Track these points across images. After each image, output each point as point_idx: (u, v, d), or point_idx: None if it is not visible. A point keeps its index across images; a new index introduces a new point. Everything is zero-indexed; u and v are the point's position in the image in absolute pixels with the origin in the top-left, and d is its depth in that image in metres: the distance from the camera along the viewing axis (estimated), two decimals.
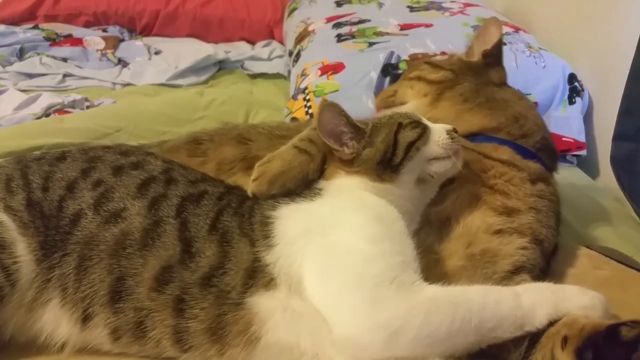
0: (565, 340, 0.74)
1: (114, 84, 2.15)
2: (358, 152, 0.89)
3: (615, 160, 1.37)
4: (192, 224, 0.82)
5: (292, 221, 0.82)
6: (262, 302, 0.75)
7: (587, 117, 1.70)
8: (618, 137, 1.40)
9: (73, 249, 0.80)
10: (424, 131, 0.90)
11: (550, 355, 0.76)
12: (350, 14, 2.06)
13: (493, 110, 1.11)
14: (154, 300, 0.77)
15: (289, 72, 2.11)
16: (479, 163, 1.02)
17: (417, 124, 0.92)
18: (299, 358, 0.75)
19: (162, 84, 2.13)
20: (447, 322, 0.71)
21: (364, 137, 0.90)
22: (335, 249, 0.78)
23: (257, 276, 0.77)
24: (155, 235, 0.80)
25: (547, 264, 0.99)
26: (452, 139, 0.91)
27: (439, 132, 0.92)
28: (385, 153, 0.89)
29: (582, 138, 1.64)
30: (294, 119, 1.59)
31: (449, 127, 0.93)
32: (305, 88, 1.65)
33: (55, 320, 0.80)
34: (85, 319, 0.79)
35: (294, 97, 1.66)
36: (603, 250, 1.07)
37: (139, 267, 0.78)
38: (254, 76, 2.30)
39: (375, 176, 0.88)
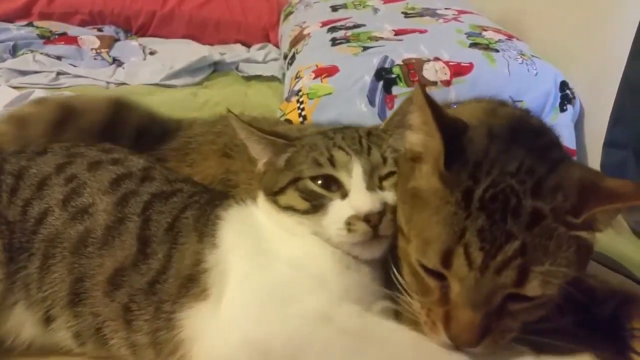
0: None
1: (108, 83, 2.13)
2: (269, 168, 0.83)
3: (605, 168, 1.38)
4: (154, 222, 0.78)
5: (234, 225, 0.78)
6: (189, 321, 0.72)
7: (578, 125, 1.71)
8: (609, 144, 1.41)
9: (38, 248, 0.77)
10: (314, 210, 0.74)
11: None
12: (345, 19, 2.07)
13: None
14: (107, 306, 0.74)
15: (284, 75, 2.11)
16: None
17: (309, 196, 0.74)
18: None
19: (156, 84, 2.11)
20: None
21: (284, 152, 0.81)
22: (256, 267, 0.73)
23: (191, 285, 0.73)
24: (116, 234, 0.76)
25: None
26: (349, 231, 0.71)
27: (339, 214, 0.72)
28: (272, 188, 0.79)
29: (572, 145, 1.65)
30: (287, 120, 1.59)
31: (360, 210, 0.71)
32: (299, 90, 1.65)
33: (20, 323, 0.77)
34: (47, 320, 0.76)
35: (288, 99, 1.66)
36: (596, 257, 1.05)
37: (96, 267, 0.75)
38: (249, 78, 2.30)
39: (265, 195, 0.81)
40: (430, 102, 0.67)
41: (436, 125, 0.66)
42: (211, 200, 0.84)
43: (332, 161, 0.75)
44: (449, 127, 0.67)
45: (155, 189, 0.83)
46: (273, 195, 0.78)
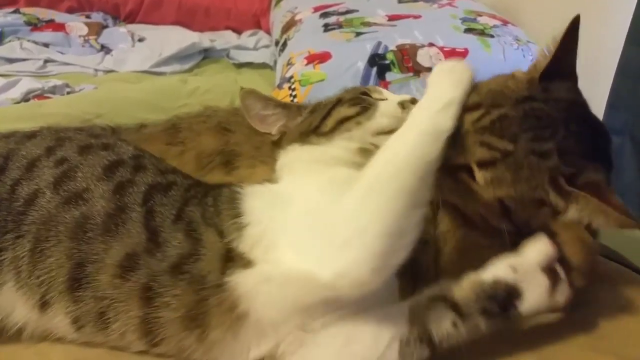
0: None
1: (97, 70, 2.11)
2: (286, 130, 0.89)
3: None
4: (158, 214, 0.78)
5: (258, 199, 0.79)
6: (244, 280, 0.71)
7: None
8: None
9: (28, 230, 0.76)
10: (364, 110, 0.85)
11: None
12: (338, 4, 2.05)
13: None
14: (117, 287, 0.72)
15: (275, 62, 2.09)
16: None
17: (358, 101, 0.87)
18: (284, 326, 0.71)
19: (145, 71, 2.09)
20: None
21: (301, 114, 0.89)
22: (294, 215, 0.75)
23: (234, 259, 0.73)
24: (119, 221, 0.76)
25: None
26: (403, 108, 0.85)
27: (389, 104, 0.86)
28: (310, 125, 0.86)
29: None
30: None
31: (406, 97, 0.87)
32: (291, 77, 1.63)
33: (10, 304, 0.76)
34: (44, 305, 0.75)
35: (279, 86, 1.64)
36: None
37: (101, 252, 0.74)
38: (240, 65, 2.27)
39: (300, 141, 0.86)
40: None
41: (559, 46, 0.82)
42: (205, 194, 0.83)
43: (366, 99, 0.88)
44: (564, 59, 0.83)
45: (151, 180, 0.82)
46: (313, 131, 0.86)
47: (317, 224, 0.71)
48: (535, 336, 0.81)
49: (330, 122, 0.85)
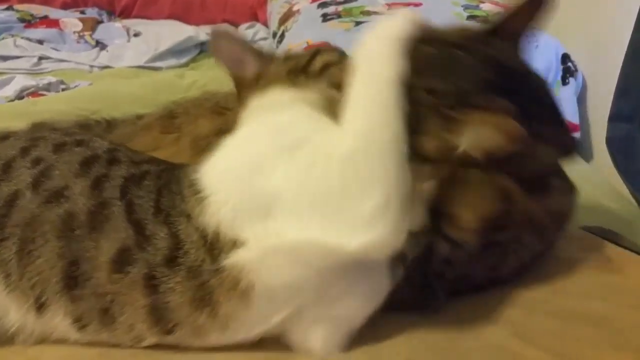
0: None
1: (92, 66, 2.10)
2: (263, 70, 0.86)
3: (611, 142, 1.34)
4: (137, 206, 0.76)
5: (216, 168, 0.77)
6: (242, 258, 0.69)
7: (581, 99, 1.67)
8: (614, 117, 1.36)
9: (12, 233, 0.74)
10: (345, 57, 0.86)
11: None
12: None
13: None
14: (117, 282, 0.71)
15: None
16: None
17: (336, 50, 0.88)
18: (300, 289, 0.70)
19: (141, 67, 2.08)
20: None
21: (272, 61, 0.88)
22: (284, 179, 0.71)
23: (218, 246, 0.71)
24: (103, 218, 0.74)
25: None
26: None
27: None
28: (297, 63, 0.86)
29: (575, 120, 1.61)
30: None
31: None
32: None
33: (2, 308, 0.74)
34: (40, 307, 0.73)
35: None
36: (600, 232, 1.02)
37: (92, 249, 0.72)
38: None
39: (288, 83, 0.83)
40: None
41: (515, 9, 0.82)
42: (174, 176, 0.81)
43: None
44: (517, 21, 0.83)
45: (125, 172, 0.80)
46: (302, 70, 0.85)
47: (323, 194, 0.69)
48: (549, 333, 0.79)
49: (318, 63, 0.85)
